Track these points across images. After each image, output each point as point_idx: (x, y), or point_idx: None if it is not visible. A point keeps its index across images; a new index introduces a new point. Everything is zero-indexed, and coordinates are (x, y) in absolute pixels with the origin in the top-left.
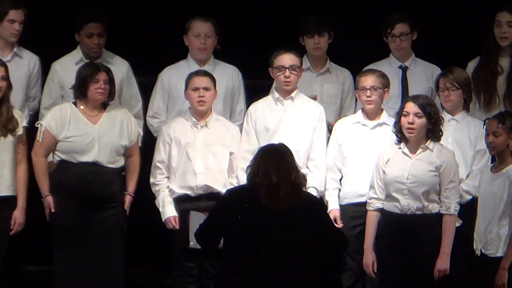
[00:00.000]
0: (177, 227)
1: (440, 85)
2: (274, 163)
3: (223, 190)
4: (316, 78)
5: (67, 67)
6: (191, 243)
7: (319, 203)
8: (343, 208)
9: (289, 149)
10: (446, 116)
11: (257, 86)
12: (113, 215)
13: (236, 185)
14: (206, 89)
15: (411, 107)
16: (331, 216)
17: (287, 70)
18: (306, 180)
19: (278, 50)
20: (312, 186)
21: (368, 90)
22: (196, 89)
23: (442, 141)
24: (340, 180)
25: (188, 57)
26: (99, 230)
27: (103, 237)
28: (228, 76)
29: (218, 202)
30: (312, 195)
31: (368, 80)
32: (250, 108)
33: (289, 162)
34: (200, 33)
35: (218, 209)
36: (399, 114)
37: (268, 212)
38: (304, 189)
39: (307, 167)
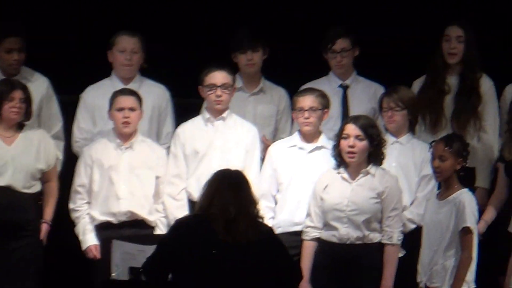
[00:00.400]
0: (99, 256)
1: (383, 105)
2: (232, 193)
3: (148, 217)
4: (249, 98)
5: None
6: (113, 274)
7: (275, 235)
8: None
9: (246, 176)
10: (389, 138)
11: (186, 106)
12: (27, 244)
13: (162, 212)
14: (132, 109)
15: (351, 129)
16: None
17: (218, 88)
18: (261, 212)
19: (209, 67)
20: None
21: (306, 112)
22: (121, 109)
23: (385, 165)
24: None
25: (112, 74)
26: (11, 261)
27: (16, 268)
28: (155, 95)
29: (168, 233)
30: (268, 226)
31: (306, 101)
32: (178, 129)
33: (247, 192)
34: (125, 48)
35: (167, 241)
36: (339, 136)
37: (225, 247)
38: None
39: None
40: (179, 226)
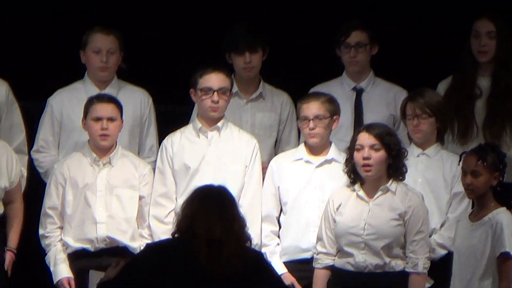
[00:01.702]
0: None
1: (407, 112)
2: (216, 212)
3: (130, 244)
4: (246, 106)
5: None
6: None
7: (264, 259)
8: None
9: (230, 193)
10: (414, 150)
11: (172, 114)
12: None
13: (148, 237)
14: (111, 119)
15: (365, 138)
16: (287, 283)
17: (215, 93)
18: (248, 235)
19: (204, 68)
20: None
21: (311, 121)
22: (98, 119)
23: (410, 181)
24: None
25: (85, 77)
26: None
27: None
28: (135, 101)
29: (133, 260)
30: (255, 250)
31: (311, 108)
32: (165, 141)
33: (233, 211)
34: (100, 48)
35: (133, 270)
36: (351, 148)
37: (208, 276)
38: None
39: None
40: (149, 253)
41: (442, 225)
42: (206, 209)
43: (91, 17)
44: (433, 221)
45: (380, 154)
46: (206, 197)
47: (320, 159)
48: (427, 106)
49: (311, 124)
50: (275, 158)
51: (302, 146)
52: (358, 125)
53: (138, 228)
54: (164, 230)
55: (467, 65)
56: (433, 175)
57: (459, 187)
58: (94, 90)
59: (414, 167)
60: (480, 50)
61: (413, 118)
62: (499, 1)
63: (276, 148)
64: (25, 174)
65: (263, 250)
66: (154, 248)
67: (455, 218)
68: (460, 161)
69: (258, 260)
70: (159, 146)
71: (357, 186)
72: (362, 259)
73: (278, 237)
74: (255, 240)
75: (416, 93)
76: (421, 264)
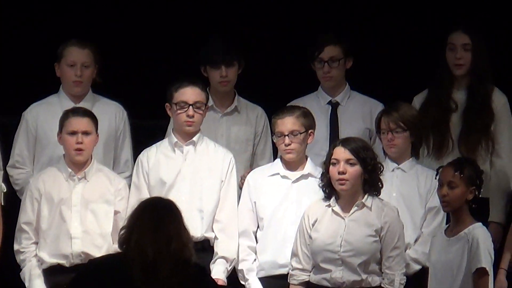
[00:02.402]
0: None
1: (382, 126)
2: (150, 230)
3: None
4: (221, 119)
5: None
6: None
7: (205, 275)
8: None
9: (175, 207)
10: (389, 164)
11: (148, 128)
12: None
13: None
14: (86, 133)
15: (341, 153)
16: None
17: (190, 107)
18: (192, 252)
19: (179, 82)
20: (221, 257)
21: (286, 137)
22: (74, 133)
23: (385, 195)
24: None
25: (60, 90)
26: None
27: None
28: (110, 115)
29: (76, 276)
30: (198, 266)
31: (286, 124)
32: (141, 155)
33: (173, 228)
34: (75, 62)
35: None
36: (327, 162)
37: None
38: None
39: (213, 231)
40: (89, 269)
41: (416, 240)
42: (141, 225)
43: (66, 30)
44: (407, 236)
45: (356, 169)
46: (144, 211)
47: (297, 174)
48: (402, 120)
49: (286, 140)
50: (251, 173)
51: (278, 161)
52: (334, 139)
53: (113, 243)
54: None
55: (443, 78)
56: (408, 190)
57: (434, 202)
58: (69, 104)
59: (389, 182)
60: (456, 63)
61: (388, 133)
62: (474, 13)
63: (251, 162)
64: (5, 189)
65: (240, 266)
66: (95, 265)
67: (429, 233)
68: (436, 175)
69: (199, 277)
70: (134, 160)
71: (332, 201)
72: (339, 275)
73: (256, 252)
74: (232, 256)
75: (390, 107)
76: (397, 280)
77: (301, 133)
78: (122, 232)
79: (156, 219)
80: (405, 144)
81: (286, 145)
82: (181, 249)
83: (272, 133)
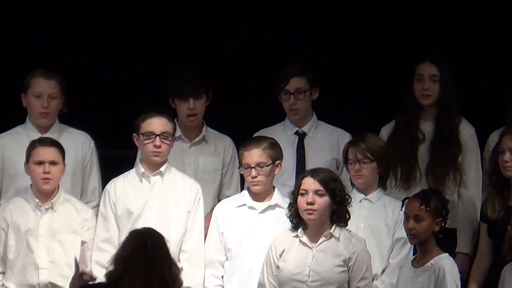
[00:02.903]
0: None
1: (349, 157)
2: (143, 274)
3: None
4: (189, 149)
5: None
6: None
7: None
8: None
9: (161, 237)
10: (357, 195)
11: (115, 158)
12: None
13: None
14: (53, 163)
15: (309, 183)
16: None
17: (157, 138)
18: (181, 283)
19: (146, 112)
20: (187, 287)
21: (252, 169)
22: (41, 163)
23: (352, 226)
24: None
25: (27, 121)
26: None
27: None
28: (77, 144)
29: None
30: None
31: (252, 156)
32: (108, 186)
33: (164, 271)
34: (42, 93)
35: None
36: (295, 193)
37: None
38: None
39: (179, 261)
40: None
41: (383, 271)
42: (131, 260)
43: (31, 61)
44: (374, 267)
45: (324, 200)
46: (136, 252)
47: (264, 204)
48: (369, 151)
49: (253, 172)
50: (219, 204)
51: (245, 192)
52: (301, 169)
53: None
54: None
55: (410, 109)
56: (375, 221)
57: (401, 233)
58: (36, 135)
59: (356, 213)
60: (423, 93)
61: (355, 163)
62: (441, 44)
63: (218, 192)
64: None
65: None
66: None
67: (396, 264)
68: (402, 206)
69: None
70: (102, 189)
71: (300, 232)
72: None
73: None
74: (198, 286)
75: (357, 138)
76: None
77: (267, 165)
78: (113, 268)
79: (148, 266)
80: (372, 175)
81: (252, 177)
82: (173, 282)
83: (240, 164)
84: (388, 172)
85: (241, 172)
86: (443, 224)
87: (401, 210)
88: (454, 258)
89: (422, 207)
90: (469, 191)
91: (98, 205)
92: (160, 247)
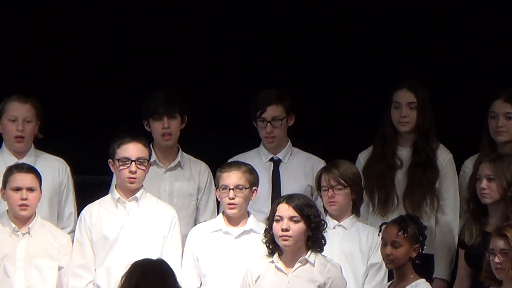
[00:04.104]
0: None
1: (322, 183)
2: None
3: None
4: (164, 175)
5: None
6: None
7: None
8: None
9: (169, 266)
10: (330, 222)
11: (90, 184)
12: None
13: None
14: (31, 189)
15: (285, 209)
16: None
17: (133, 163)
18: None
19: (122, 137)
20: None
21: (231, 191)
22: (18, 189)
23: (327, 253)
24: None
25: (2, 147)
26: None
27: None
28: (53, 170)
29: None
30: None
31: (232, 178)
32: (83, 211)
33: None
34: (17, 117)
35: None
36: (270, 219)
37: None
38: None
39: None
40: None
41: None
42: (147, 286)
43: (6, 84)
44: None
45: (299, 226)
46: (145, 272)
47: (239, 230)
48: (342, 178)
49: (231, 194)
50: (193, 229)
51: (220, 217)
52: (276, 195)
53: None
54: None
55: (388, 135)
56: (349, 247)
57: (375, 258)
58: (12, 160)
59: (330, 239)
60: (401, 120)
61: (328, 190)
62: (420, 69)
63: (194, 217)
64: None
65: None
66: None
67: None
68: (380, 231)
69: None
70: (78, 215)
71: (275, 257)
72: None
73: None
74: None
75: (330, 165)
76: None
77: (246, 188)
78: None
79: (160, 278)
80: (345, 201)
81: (230, 199)
82: None
83: (216, 187)
84: (361, 198)
85: (218, 194)
86: (420, 250)
87: (378, 235)
88: (431, 284)
89: (400, 233)
90: (447, 217)
91: (73, 231)
92: (169, 270)
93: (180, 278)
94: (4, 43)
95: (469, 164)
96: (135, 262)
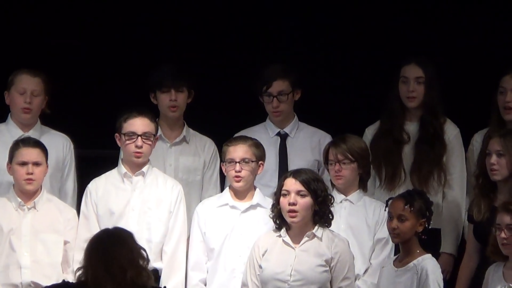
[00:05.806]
0: None
1: (329, 157)
2: (102, 267)
3: None
4: (169, 149)
5: None
6: None
7: None
8: None
9: (123, 233)
10: (337, 196)
11: (95, 158)
12: None
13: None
14: (37, 164)
15: (291, 184)
16: None
17: (139, 138)
18: (149, 275)
19: (128, 112)
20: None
21: (237, 164)
22: (24, 163)
23: (333, 227)
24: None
25: (8, 119)
26: None
27: None
28: (58, 146)
29: None
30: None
31: (238, 151)
32: (89, 185)
33: (121, 258)
34: (25, 89)
35: None
36: (277, 193)
37: None
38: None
39: (162, 262)
40: None
41: (365, 271)
42: (94, 267)
43: (13, 60)
44: (356, 267)
45: (306, 200)
46: (93, 251)
47: (245, 204)
48: (349, 152)
49: (237, 167)
50: (200, 205)
51: (227, 191)
52: (283, 170)
53: (63, 273)
54: None
55: (395, 110)
56: (356, 221)
57: (382, 233)
58: (17, 132)
59: (337, 213)
60: (409, 95)
61: (335, 164)
62: (428, 45)
63: (199, 192)
64: None
65: None
66: None
67: (378, 264)
68: (386, 206)
69: None
70: (77, 191)
71: (283, 232)
72: None
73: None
74: (179, 287)
75: (338, 139)
76: None
77: (252, 162)
78: (79, 273)
79: (105, 253)
80: (352, 175)
81: (236, 172)
82: (137, 275)
83: (222, 161)
84: (368, 173)
85: (223, 169)
86: (426, 225)
87: (385, 210)
88: (437, 259)
89: (406, 207)
90: (454, 192)
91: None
92: (117, 241)
93: (184, 253)
94: (11, 17)
95: (478, 138)
96: (96, 233)
